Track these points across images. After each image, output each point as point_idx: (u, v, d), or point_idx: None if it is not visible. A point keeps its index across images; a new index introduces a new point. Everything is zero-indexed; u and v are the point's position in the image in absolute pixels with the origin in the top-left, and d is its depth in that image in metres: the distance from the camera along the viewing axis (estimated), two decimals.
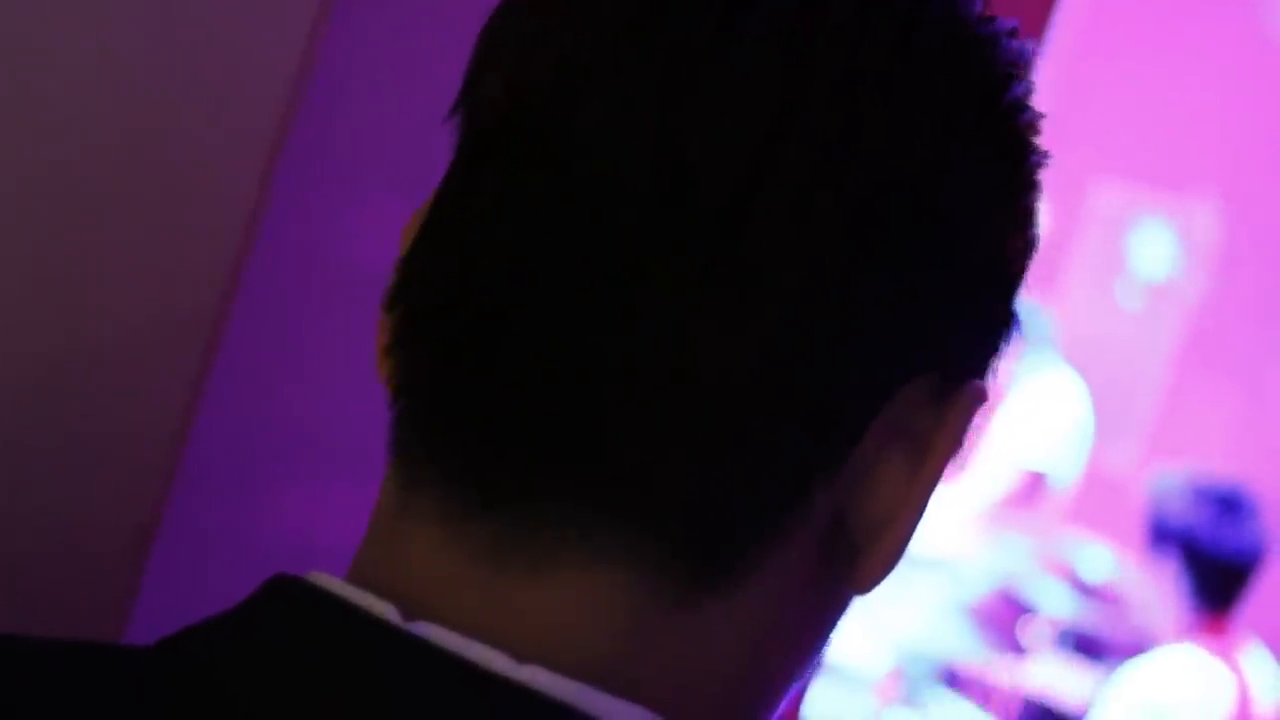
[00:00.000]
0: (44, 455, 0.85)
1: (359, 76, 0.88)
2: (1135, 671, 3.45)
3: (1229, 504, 3.44)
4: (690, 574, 0.58)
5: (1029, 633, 4.26)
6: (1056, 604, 4.43)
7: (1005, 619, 4.29)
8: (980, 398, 0.62)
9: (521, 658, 0.56)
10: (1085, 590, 4.29)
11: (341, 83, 0.87)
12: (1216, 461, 5.68)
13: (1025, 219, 0.63)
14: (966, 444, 0.63)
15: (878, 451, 0.60)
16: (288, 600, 0.59)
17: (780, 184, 0.56)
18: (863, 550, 0.61)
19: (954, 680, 4.29)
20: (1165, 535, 3.44)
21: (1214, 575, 3.40)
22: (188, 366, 0.86)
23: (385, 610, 0.57)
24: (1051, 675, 4.14)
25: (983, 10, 0.62)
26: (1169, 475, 3.59)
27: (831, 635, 0.65)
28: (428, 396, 0.60)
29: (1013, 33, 0.62)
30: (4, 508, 0.85)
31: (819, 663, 0.66)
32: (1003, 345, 0.64)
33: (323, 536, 0.94)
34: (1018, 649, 4.26)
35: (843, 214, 0.57)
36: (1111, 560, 4.69)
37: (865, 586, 0.62)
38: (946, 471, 0.63)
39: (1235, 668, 3.38)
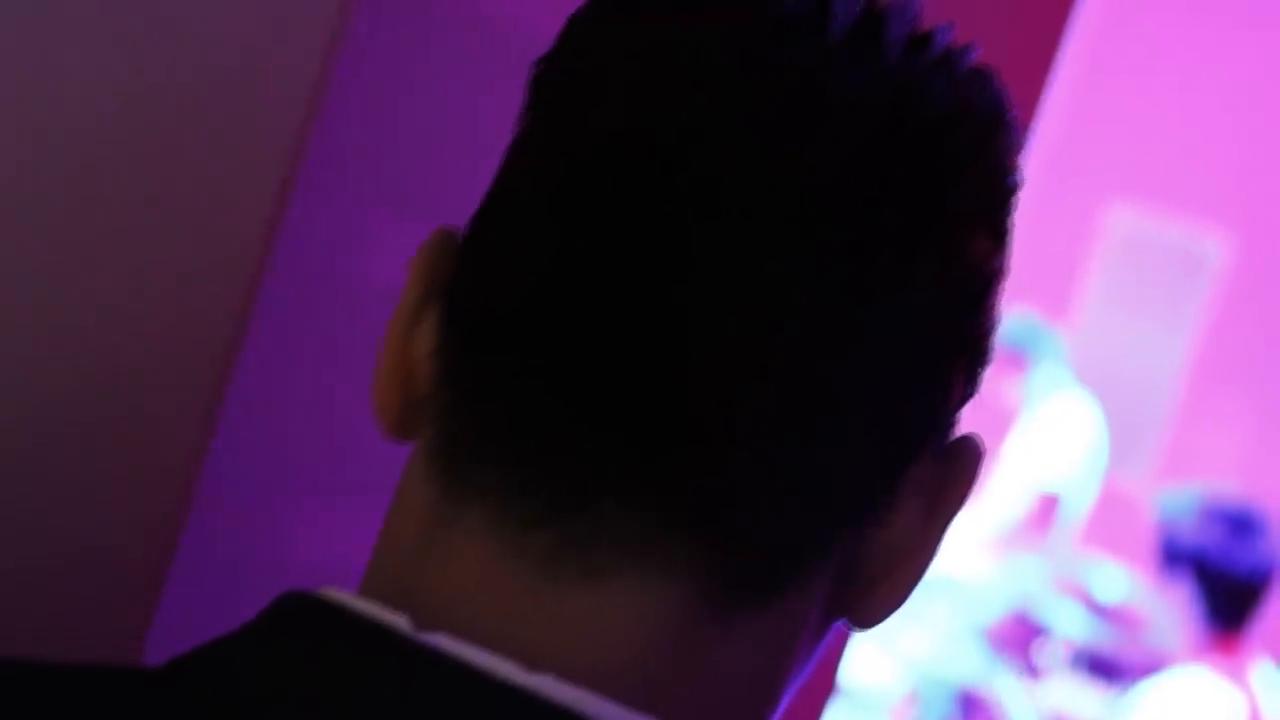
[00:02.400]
0: (62, 475, 0.86)
1: (374, 97, 0.88)
2: (1148, 693, 3.44)
3: (1240, 523, 3.42)
4: (738, 587, 0.59)
5: (1044, 654, 4.25)
6: (1071, 625, 4.43)
7: (1020, 641, 4.29)
8: (982, 452, 0.65)
9: (549, 666, 0.57)
10: (1099, 611, 4.29)
11: (357, 104, 0.87)
12: (1229, 481, 5.67)
13: (999, 308, 0.68)
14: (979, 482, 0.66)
15: (901, 494, 0.63)
16: (297, 615, 0.59)
17: (890, 226, 0.59)
18: (870, 588, 0.63)
19: (969, 702, 4.28)
20: (1176, 556, 3.42)
21: (1226, 595, 3.38)
22: (204, 387, 0.86)
23: (396, 621, 0.57)
24: (1065, 696, 4.14)
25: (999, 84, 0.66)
26: (1177, 495, 3.57)
27: (819, 654, 0.67)
28: (487, 407, 0.60)
29: (1014, 114, 0.66)
30: (24, 529, 0.86)
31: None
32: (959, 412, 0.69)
33: (340, 556, 0.94)
34: (1033, 670, 4.26)
35: (932, 258, 0.60)
36: (1125, 581, 4.69)
37: (867, 623, 0.64)
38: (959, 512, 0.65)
39: (1246, 688, 3.37)
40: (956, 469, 0.64)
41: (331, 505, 0.94)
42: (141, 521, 0.86)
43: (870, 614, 0.64)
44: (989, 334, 0.65)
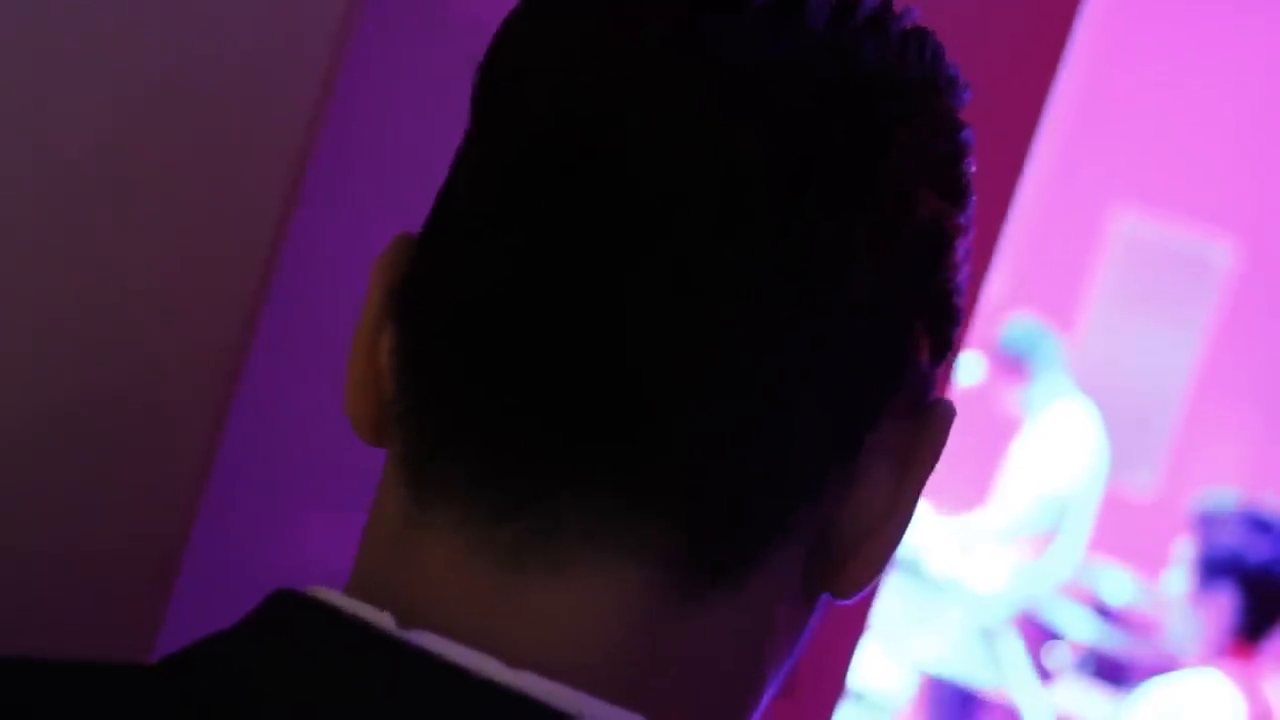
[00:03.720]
0: (70, 482, 0.85)
1: (380, 105, 0.88)
2: (1156, 689, 3.44)
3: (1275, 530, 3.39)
4: (706, 568, 0.59)
5: (1052, 657, 4.26)
6: (1078, 629, 4.43)
7: (1028, 644, 4.29)
8: (953, 414, 0.65)
9: (529, 661, 0.57)
10: (1107, 615, 4.29)
11: (362, 112, 0.87)
12: (1234, 485, 5.66)
13: (967, 256, 0.66)
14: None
15: (866, 461, 0.62)
16: (287, 613, 0.60)
17: (823, 193, 0.58)
18: (845, 558, 0.63)
19: (977, 706, 4.29)
20: (1218, 562, 3.39)
21: (1264, 602, 3.36)
22: (212, 393, 0.86)
23: (381, 619, 0.58)
24: (1074, 699, 4.14)
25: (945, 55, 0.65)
26: (1218, 503, 3.53)
27: (808, 635, 0.66)
28: (447, 405, 0.60)
29: (963, 79, 0.65)
30: (31, 539, 0.85)
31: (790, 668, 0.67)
32: (944, 371, 0.68)
33: (346, 561, 0.94)
34: (1041, 674, 4.25)
35: (871, 221, 0.60)
36: (1132, 585, 4.69)
37: (848, 593, 0.64)
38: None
39: (1257, 695, 3.35)
40: (928, 432, 0.64)
41: (337, 511, 0.94)
42: (149, 528, 0.86)
43: (848, 584, 0.64)
44: (952, 292, 0.64)
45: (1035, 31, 1.20)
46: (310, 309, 0.88)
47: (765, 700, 0.64)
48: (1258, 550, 3.36)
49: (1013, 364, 5.35)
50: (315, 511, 0.93)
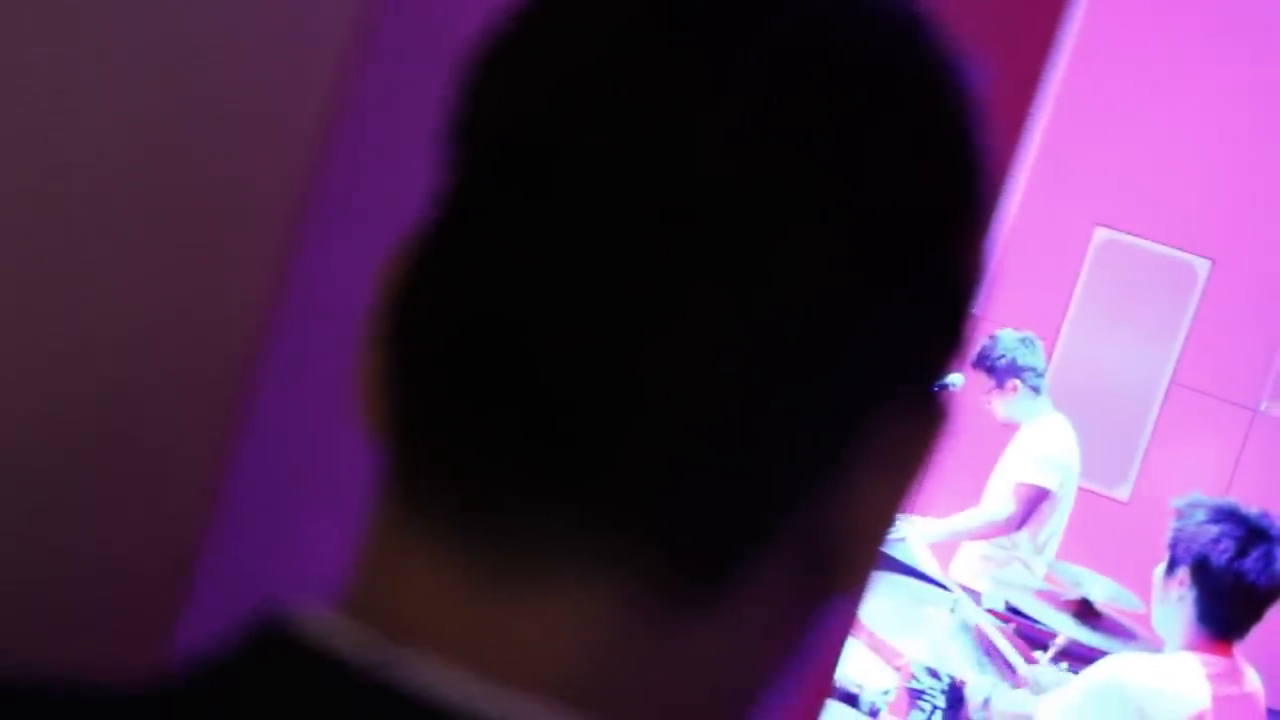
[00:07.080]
0: (85, 496, 0.87)
1: (388, 121, 0.89)
2: (1129, 661, 3.42)
3: (1251, 531, 3.37)
4: (685, 588, 0.59)
5: (1033, 659, 4.27)
6: (1058, 630, 4.43)
7: (1008, 645, 4.30)
8: (947, 411, 0.63)
9: (509, 682, 0.57)
10: (1086, 618, 4.30)
11: (372, 123, 0.88)
12: (1209, 492, 5.69)
13: (981, 249, 0.63)
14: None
15: (859, 462, 0.61)
16: (263, 654, 0.59)
17: (791, 203, 0.57)
18: (840, 559, 0.62)
19: (960, 704, 4.30)
20: (1181, 557, 3.39)
21: (1225, 600, 3.35)
22: (224, 404, 0.87)
23: (364, 644, 0.58)
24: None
25: (949, 37, 0.63)
26: (1192, 499, 3.50)
27: (813, 638, 0.65)
28: (428, 425, 0.60)
29: (969, 57, 0.63)
30: (48, 549, 0.87)
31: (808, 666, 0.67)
32: (954, 362, 0.64)
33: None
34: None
35: (847, 233, 0.58)
36: (1111, 588, 4.70)
37: (846, 588, 0.63)
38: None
39: (1222, 689, 3.32)
40: (920, 430, 0.63)
41: (347, 517, 0.96)
42: (164, 535, 0.88)
43: (844, 583, 0.63)
44: (956, 279, 0.62)
45: (1020, 51, 1.21)
46: (322, 321, 0.89)
47: (766, 704, 0.64)
48: (1213, 545, 3.36)
49: (1000, 374, 5.38)
50: (325, 517, 0.93)
